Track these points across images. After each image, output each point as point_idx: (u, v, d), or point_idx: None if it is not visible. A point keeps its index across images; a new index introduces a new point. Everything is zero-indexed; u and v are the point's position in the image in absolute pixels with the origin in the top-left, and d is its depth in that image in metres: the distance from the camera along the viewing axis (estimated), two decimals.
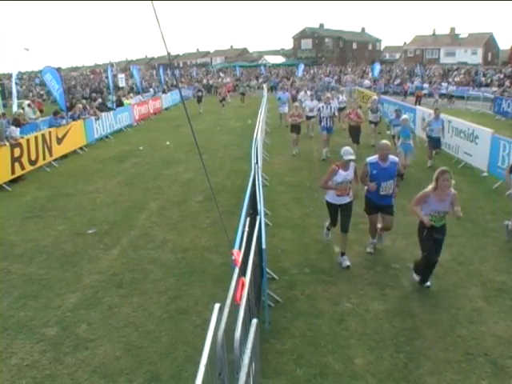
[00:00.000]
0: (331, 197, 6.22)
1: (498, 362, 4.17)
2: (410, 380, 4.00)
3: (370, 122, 14.18)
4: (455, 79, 33.75)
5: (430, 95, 27.51)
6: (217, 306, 3.00)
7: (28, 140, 11.91)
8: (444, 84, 30.95)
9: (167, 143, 15.52)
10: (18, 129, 12.40)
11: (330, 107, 12.63)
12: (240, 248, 4.00)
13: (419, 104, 21.28)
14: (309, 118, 14.89)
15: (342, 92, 21.30)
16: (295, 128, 12.93)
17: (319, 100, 16.33)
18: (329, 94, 14.96)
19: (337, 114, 13.91)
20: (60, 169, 12.70)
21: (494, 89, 27.80)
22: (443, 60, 56.01)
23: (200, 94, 25.43)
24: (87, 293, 5.62)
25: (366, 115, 14.09)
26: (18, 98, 20.88)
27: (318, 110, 13.18)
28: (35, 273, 6.18)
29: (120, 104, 21.42)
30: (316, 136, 15.04)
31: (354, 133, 12.31)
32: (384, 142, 6.32)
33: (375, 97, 16.08)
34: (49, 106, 24.49)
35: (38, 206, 9.16)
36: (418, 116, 15.61)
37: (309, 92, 19.83)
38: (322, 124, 12.59)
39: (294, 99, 19.76)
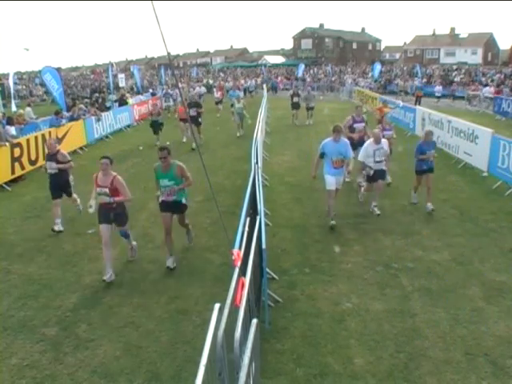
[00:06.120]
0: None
1: (498, 362, 4.17)
2: (410, 380, 4.00)
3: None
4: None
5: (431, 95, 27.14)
6: (217, 306, 3.01)
7: (28, 140, 11.92)
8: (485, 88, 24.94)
9: (167, 143, 15.48)
10: (13, 127, 12.41)
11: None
12: (240, 248, 4.00)
13: (419, 104, 21.35)
14: None
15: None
16: None
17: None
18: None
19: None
20: None
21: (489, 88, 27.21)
22: (443, 60, 56.03)
23: (158, 119, 14.57)
24: (87, 293, 5.62)
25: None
26: (16, 98, 20.93)
27: None
28: (35, 273, 6.18)
29: (123, 103, 21.35)
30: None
31: None
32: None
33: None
34: (48, 106, 24.46)
35: (38, 206, 9.16)
36: (417, 116, 15.68)
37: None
38: None
39: None
